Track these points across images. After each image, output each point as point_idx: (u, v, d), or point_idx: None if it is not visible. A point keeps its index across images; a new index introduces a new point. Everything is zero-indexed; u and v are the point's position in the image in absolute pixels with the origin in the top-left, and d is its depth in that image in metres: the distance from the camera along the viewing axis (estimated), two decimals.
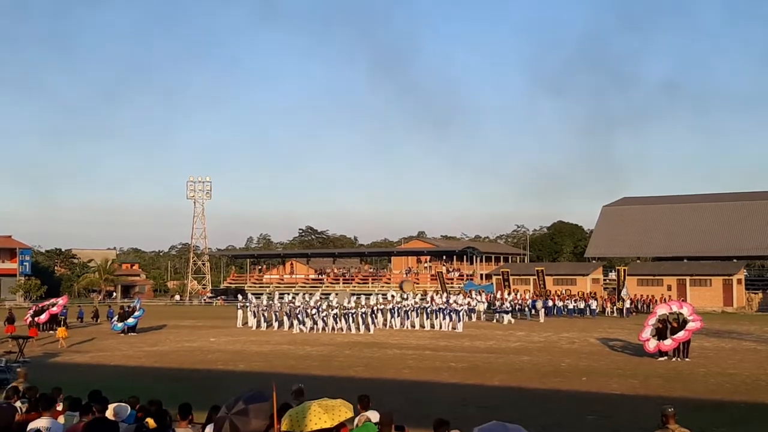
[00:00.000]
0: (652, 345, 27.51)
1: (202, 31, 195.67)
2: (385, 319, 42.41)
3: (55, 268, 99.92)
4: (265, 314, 43.80)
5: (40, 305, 44.84)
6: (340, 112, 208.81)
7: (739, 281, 62.00)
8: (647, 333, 28.07)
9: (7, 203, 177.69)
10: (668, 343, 27.15)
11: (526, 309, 50.94)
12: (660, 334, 27.67)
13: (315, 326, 39.96)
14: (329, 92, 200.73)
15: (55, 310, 42.13)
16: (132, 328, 39.88)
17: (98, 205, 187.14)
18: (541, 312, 49.75)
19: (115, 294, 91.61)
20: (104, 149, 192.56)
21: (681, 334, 27.26)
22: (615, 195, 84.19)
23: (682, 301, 37.22)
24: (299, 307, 41.11)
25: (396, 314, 42.07)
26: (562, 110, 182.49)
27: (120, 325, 39.86)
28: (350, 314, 39.55)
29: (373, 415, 10.19)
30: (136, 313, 40.71)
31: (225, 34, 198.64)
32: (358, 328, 38.80)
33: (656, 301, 59.27)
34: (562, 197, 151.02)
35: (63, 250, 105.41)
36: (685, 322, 27.69)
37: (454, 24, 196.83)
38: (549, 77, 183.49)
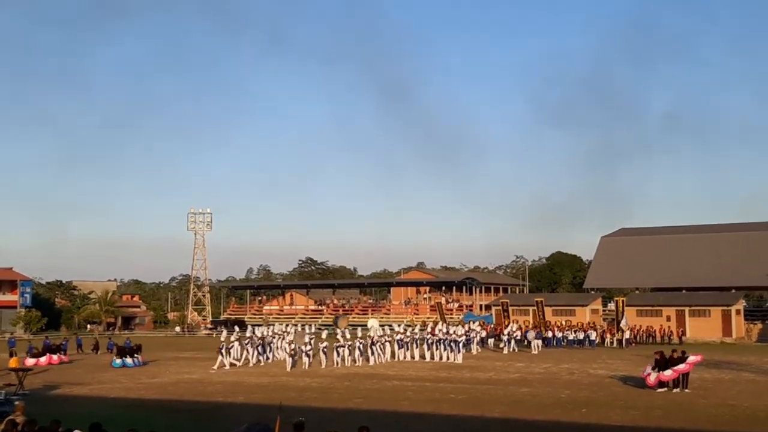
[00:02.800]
0: (652, 378, 27.43)
1: (208, 62, 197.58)
2: (386, 351, 42.08)
3: (56, 299, 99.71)
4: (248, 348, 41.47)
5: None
6: (344, 143, 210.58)
7: (737, 312, 61.98)
8: (648, 369, 28.06)
9: (9, 235, 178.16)
10: (668, 374, 27.09)
11: (524, 340, 50.39)
12: (660, 365, 27.62)
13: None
14: (334, 124, 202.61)
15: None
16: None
17: (99, 237, 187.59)
18: (534, 343, 48.43)
19: (114, 326, 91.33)
20: (107, 182, 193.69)
21: (682, 366, 27.22)
22: (615, 226, 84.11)
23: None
24: (261, 337, 41.42)
25: (397, 345, 41.90)
26: (565, 142, 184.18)
27: (119, 362, 39.59)
28: (347, 346, 39.33)
29: None
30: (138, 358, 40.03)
31: (231, 65, 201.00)
32: (343, 360, 38.43)
33: (655, 331, 59.53)
34: (562, 228, 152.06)
35: (64, 281, 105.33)
36: (684, 353, 27.72)
37: (460, 58, 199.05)
38: (552, 110, 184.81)
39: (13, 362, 34.66)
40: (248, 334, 41.41)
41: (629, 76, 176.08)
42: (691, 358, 27.56)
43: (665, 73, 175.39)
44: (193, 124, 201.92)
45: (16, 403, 17.75)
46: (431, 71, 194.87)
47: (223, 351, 37.99)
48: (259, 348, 40.39)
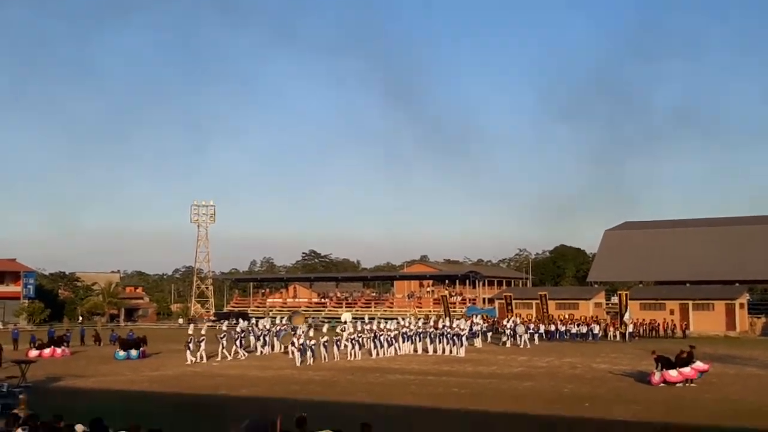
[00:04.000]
0: (657, 377, 27.22)
1: (216, 54, 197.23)
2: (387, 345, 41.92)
3: (59, 291, 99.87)
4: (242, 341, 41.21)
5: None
6: (350, 136, 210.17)
7: (741, 305, 61.84)
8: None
9: (13, 226, 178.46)
10: (674, 375, 26.84)
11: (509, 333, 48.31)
12: (665, 363, 27.45)
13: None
14: (340, 116, 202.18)
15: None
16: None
17: (103, 228, 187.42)
18: (523, 338, 47.09)
19: (117, 318, 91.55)
20: (112, 173, 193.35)
21: (687, 371, 26.90)
22: (620, 220, 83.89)
23: None
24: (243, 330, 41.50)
25: (402, 340, 41.76)
26: (572, 136, 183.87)
27: (122, 354, 39.64)
28: (352, 339, 39.24)
29: None
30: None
31: (239, 57, 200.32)
32: (346, 355, 38.05)
33: (658, 325, 59.48)
34: (566, 222, 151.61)
35: (67, 273, 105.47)
36: (691, 354, 27.47)
37: (468, 51, 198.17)
38: (560, 103, 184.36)
39: None
40: (224, 328, 41.05)
41: (637, 70, 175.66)
42: (699, 365, 27.12)
43: (673, 67, 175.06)
44: (200, 115, 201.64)
45: (21, 396, 17.79)
46: (439, 64, 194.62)
47: (191, 346, 37.40)
48: (239, 341, 40.06)
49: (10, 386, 23.38)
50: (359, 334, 39.53)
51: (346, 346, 38.60)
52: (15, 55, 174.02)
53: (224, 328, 41.95)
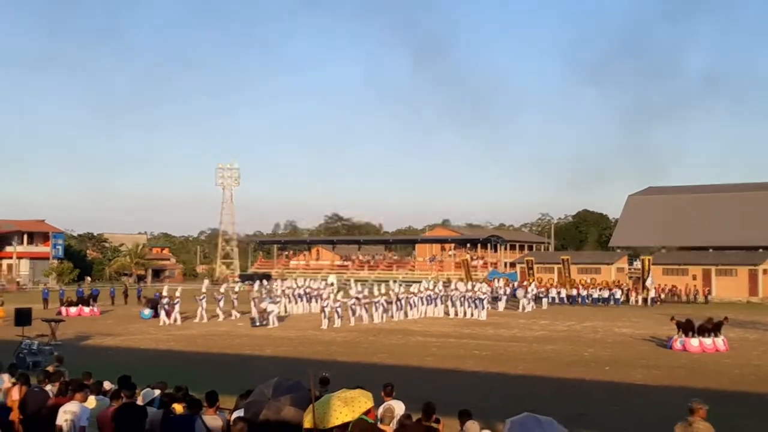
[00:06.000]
0: (678, 344, 27.22)
1: (244, 16, 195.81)
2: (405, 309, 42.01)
3: (87, 252, 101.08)
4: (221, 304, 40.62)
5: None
6: (375, 99, 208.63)
7: (764, 271, 61.31)
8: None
9: (42, 187, 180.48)
10: (695, 345, 26.84)
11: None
12: (685, 329, 27.44)
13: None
14: (366, 79, 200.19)
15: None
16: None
17: (130, 190, 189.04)
18: (522, 301, 46.80)
19: (144, 278, 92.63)
20: (139, 137, 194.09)
21: (709, 343, 26.88)
22: (644, 185, 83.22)
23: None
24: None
25: (422, 302, 41.97)
26: (600, 100, 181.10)
27: (148, 312, 40.15)
28: (373, 303, 39.45)
29: (398, 405, 10.34)
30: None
31: (266, 19, 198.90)
32: (371, 317, 38.13)
33: (680, 291, 59.26)
34: (591, 187, 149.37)
35: (95, 234, 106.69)
36: (719, 324, 27.41)
37: (495, 12, 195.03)
38: (587, 67, 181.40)
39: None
40: (203, 290, 40.32)
41: (667, 33, 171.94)
42: (720, 343, 27.11)
43: (704, 31, 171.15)
44: (227, 79, 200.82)
45: (55, 354, 18.22)
46: (466, 27, 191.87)
47: (166, 307, 37.62)
48: (221, 303, 40.05)
49: (41, 344, 23.89)
50: (382, 297, 39.75)
51: (355, 309, 38.70)
52: (47, 19, 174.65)
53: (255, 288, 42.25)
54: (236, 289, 42.29)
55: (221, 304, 40.21)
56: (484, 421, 9.64)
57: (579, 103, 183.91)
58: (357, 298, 39.29)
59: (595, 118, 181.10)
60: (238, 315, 39.87)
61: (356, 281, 49.18)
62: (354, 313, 38.24)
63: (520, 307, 46.58)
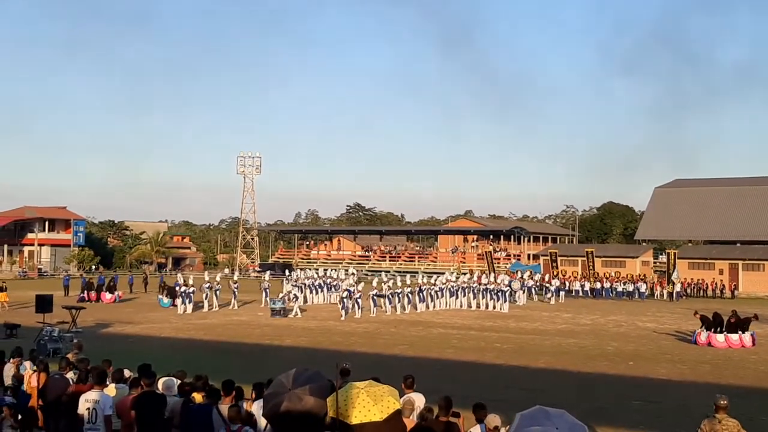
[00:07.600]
0: (703, 338, 26.85)
1: (272, 3, 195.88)
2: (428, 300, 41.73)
3: (108, 239, 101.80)
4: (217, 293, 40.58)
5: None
6: (402, 89, 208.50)
7: None
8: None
9: (63, 174, 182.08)
10: (720, 340, 26.44)
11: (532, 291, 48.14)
12: (710, 325, 27.05)
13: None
14: (392, 69, 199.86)
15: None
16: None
17: (152, 179, 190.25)
18: (518, 293, 45.13)
19: (165, 266, 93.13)
20: (163, 126, 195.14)
21: (734, 339, 26.48)
22: (670, 178, 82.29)
23: None
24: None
25: (445, 294, 41.66)
26: (630, 91, 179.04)
27: (167, 301, 40.29)
28: (396, 294, 39.26)
29: (418, 397, 10.19)
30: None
31: (294, 7, 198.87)
32: (394, 308, 37.99)
33: (707, 285, 58.57)
34: (617, 179, 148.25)
35: (116, 222, 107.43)
36: (747, 321, 27.00)
37: (525, 1, 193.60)
38: (619, 57, 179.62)
39: (2, 296, 37.74)
40: (207, 279, 40.95)
41: (701, 23, 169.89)
42: (747, 337, 26.65)
43: (739, 21, 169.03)
44: (252, 68, 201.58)
45: (75, 341, 18.25)
46: (496, 15, 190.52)
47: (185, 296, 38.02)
48: (217, 293, 40.02)
49: (61, 331, 23.99)
50: (407, 288, 39.64)
51: (379, 299, 38.51)
52: (77, 4, 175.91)
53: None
54: (235, 278, 42.48)
55: (236, 293, 40.45)
56: (503, 414, 9.44)
57: (609, 93, 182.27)
58: (378, 290, 39.18)
59: (624, 109, 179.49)
60: (237, 306, 39.87)
61: (374, 273, 48.82)
62: (375, 304, 38.06)
63: (517, 299, 44.87)
